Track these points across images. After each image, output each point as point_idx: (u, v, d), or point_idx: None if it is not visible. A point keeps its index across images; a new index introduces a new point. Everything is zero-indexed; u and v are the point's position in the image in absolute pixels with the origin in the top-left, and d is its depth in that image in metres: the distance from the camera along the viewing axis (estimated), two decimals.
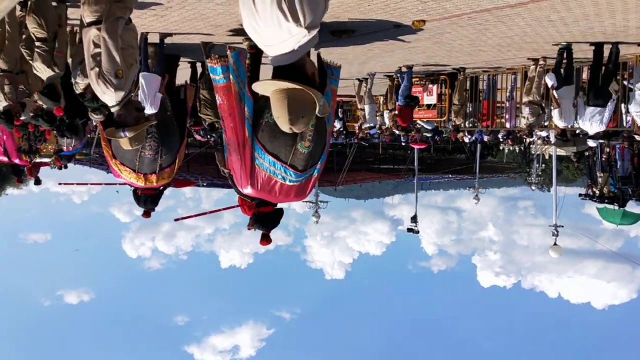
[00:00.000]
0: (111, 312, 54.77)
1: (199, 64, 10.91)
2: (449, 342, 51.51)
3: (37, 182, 11.78)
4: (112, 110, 4.13)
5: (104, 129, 5.94)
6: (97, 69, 3.89)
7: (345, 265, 60.24)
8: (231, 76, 4.75)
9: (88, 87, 4.55)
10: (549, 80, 9.32)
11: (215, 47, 8.89)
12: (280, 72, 2.24)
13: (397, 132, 14.63)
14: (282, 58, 2.19)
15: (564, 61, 9.09)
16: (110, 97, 3.98)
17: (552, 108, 9.47)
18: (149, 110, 7.85)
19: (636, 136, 10.84)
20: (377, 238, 63.03)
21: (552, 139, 16.68)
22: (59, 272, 58.32)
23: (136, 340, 52.95)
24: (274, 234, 5.47)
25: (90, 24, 3.95)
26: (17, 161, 10.79)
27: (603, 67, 8.89)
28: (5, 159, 10.86)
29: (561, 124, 9.54)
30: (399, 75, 12.51)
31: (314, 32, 2.09)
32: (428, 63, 11.33)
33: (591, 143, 15.11)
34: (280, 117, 2.26)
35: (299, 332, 55.05)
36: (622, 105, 9.73)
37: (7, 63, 5.74)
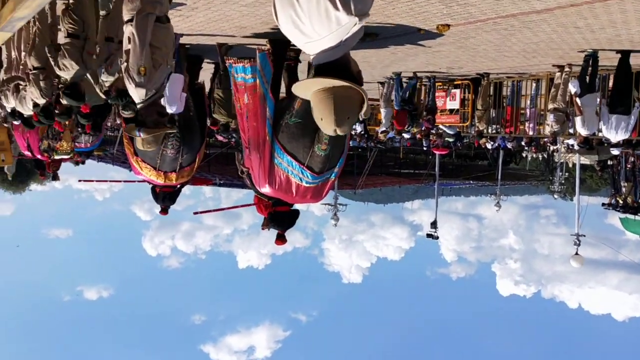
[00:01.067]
0: (129, 309, 55.50)
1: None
2: (466, 350, 51.11)
3: (55, 177, 11.97)
4: (138, 107, 4.18)
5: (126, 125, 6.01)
6: (125, 64, 3.94)
7: (362, 270, 60.21)
8: (257, 76, 4.82)
9: (112, 85, 4.61)
10: (572, 87, 9.26)
11: (233, 48, 8.95)
12: (323, 72, 2.05)
13: (395, 135, 14.90)
14: (327, 54, 2.03)
15: (590, 68, 8.99)
16: (133, 93, 4.03)
17: (575, 115, 9.38)
18: (173, 110, 7.92)
19: None
20: (396, 243, 62.93)
21: (576, 147, 16.46)
22: (80, 268, 59.18)
23: (153, 338, 53.50)
24: (292, 235, 5.48)
25: (127, 22, 4.00)
26: (39, 156, 11.01)
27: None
28: (28, 153, 11.07)
29: (584, 132, 9.47)
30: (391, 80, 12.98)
31: (365, 20, 1.94)
32: (452, 67, 11.26)
33: (614, 151, 14.89)
34: (324, 118, 2.09)
35: (315, 334, 55.15)
36: None
37: (38, 60, 5.82)
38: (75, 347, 50.56)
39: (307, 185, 4.81)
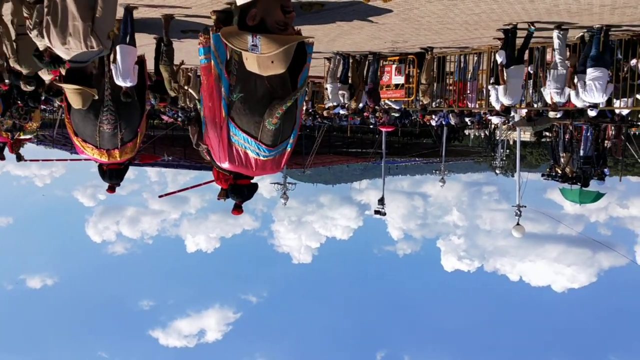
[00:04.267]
0: (75, 296, 54.10)
1: None
2: (413, 325, 52.37)
3: (19, 158, 11.47)
4: (76, 65, 4.05)
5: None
6: (90, 24, 3.80)
7: (312, 250, 60.60)
8: (212, 57, 4.81)
9: (47, 49, 4.43)
10: (499, 57, 9.69)
11: (174, 19, 8.84)
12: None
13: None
14: None
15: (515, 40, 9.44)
16: (87, 55, 3.91)
17: (499, 84, 9.84)
18: (127, 83, 7.75)
19: (550, 113, 11.15)
20: (344, 223, 63.54)
21: (516, 119, 17.02)
22: (21, 256, 57.27)
23: (101, 325, 52.32)
24: (241, 219, 5.69)
25: None
26: None
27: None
28: None
29: (506, 101, 9.97)
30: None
31: None
32: (396, 41, 11.36)
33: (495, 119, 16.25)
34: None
35: (266, 315, 55.17)
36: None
37: None
38: (21, 337, 49.07)
39: (264, 158, 4.91)
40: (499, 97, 10.00)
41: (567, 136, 18.22)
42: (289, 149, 5.06)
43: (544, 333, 50.49)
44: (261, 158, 4.85)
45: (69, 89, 4.42)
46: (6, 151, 11.29)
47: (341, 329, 51.02)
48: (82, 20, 3.79)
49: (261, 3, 2.70)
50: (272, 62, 2.41)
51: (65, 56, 3.96)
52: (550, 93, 9.72)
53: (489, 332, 51.06)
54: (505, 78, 9.68)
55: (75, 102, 4.55)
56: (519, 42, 9.72)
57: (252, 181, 5.47)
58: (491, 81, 10.73)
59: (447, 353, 50.45)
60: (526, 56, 11.41)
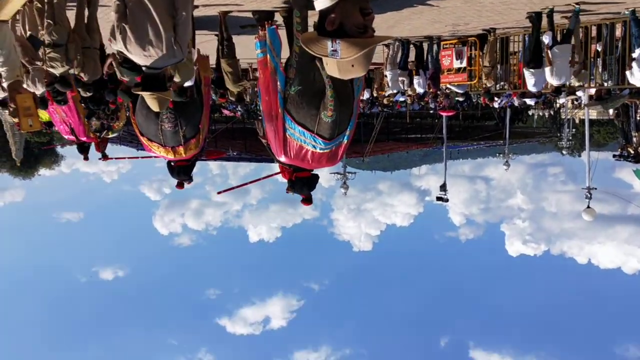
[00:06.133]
0: (145, 287, 56.20)
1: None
2: (477, 311, 51.56)
3: (105, 157, 11.91)
4: (151, 72, 4.17)
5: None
6: (173, 34, 3.92)
7: (372, 238, 60.58)
8: (267, 51, 4.83)
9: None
10: (545, 39, 9.52)
11: (230, 14, 8.91)
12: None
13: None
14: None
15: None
16: (164, 62, 4.08)
17: (545, 66, 9.70)
18: (187, 83, 7.91)
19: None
20: (405, 210, 63.19)
21: (584, 100, 16.38)
22: (93, 249, 59.78)
23: (169, 314, 54.17)
24: (301, 207, 5.74)
25: None
26: (84, 139, 11.02)
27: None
28: (73, 137, 11.09)
29: (554, 82, 9.76)
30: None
31: None
32: (457, 24, 11.07)
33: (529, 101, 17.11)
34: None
35: (328, 302, 55.64)
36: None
37: (58, 34, 5.96)
38: (96, 326, 51.40)
39: (321, 151, 4.89)
40: (546, 78, 9.85)
41: (638, 115, 17.33)
42: (345, 141, 5.01)
43: (615, 316, 48.74)
44: (318, 151, 4.83)
45: (146, 95, 4.56)
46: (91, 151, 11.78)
47: (404, 316, 50.88)
48: (165, 30, 3.88)
49: (340, 7, 2.70)
50: (353, 65, 2.37)
51: (142, 62, 4.06)
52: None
53: (556, 316, 49.70)
54: (551, 59, 9.50)
55: (154, 106, 4.74)
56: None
57: (312, 172, 5.49)
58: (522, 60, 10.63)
59: (513, 339, 49.50)
60: (594, 33, 11.02)
